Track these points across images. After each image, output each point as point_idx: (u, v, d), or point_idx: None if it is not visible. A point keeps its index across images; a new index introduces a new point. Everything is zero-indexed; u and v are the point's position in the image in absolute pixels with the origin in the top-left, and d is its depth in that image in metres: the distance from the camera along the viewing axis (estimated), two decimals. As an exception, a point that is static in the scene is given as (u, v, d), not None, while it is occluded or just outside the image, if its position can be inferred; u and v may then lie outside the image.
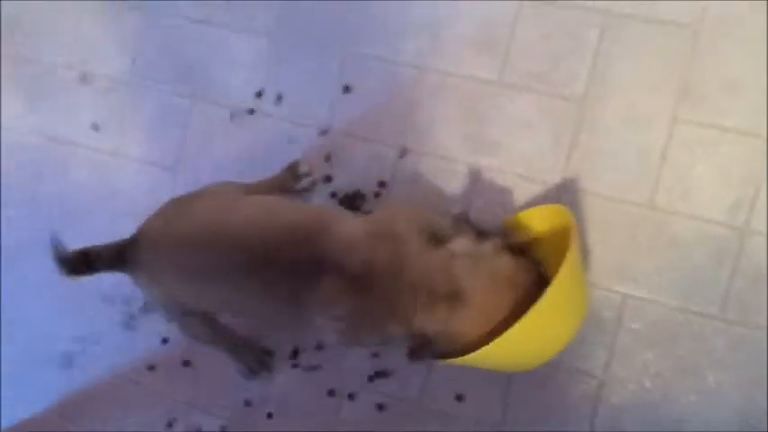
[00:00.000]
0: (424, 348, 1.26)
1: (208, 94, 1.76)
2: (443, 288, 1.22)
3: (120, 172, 1.82)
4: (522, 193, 1.54)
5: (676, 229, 1.46)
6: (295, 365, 1.67)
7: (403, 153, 1.61)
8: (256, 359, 1.63)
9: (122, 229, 1.79)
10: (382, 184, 1.62)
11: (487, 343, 1.18)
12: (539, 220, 1.41)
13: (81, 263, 1.36)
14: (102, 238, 1.81)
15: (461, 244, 1.28)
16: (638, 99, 1.48)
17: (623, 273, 1.48)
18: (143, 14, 1.81)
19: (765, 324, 1.40)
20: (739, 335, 1.42)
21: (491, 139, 1.56)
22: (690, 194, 1.45)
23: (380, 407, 1.62)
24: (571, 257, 1.19)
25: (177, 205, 1.40)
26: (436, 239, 1.29)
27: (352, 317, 1.25)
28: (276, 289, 1.27)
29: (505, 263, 1.25)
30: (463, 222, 1.43)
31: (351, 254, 1.24)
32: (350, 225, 1.29)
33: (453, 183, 1.59)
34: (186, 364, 1.76)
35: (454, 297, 1.22)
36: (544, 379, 1.52)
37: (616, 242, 1.49)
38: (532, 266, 1.29)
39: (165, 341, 1.77)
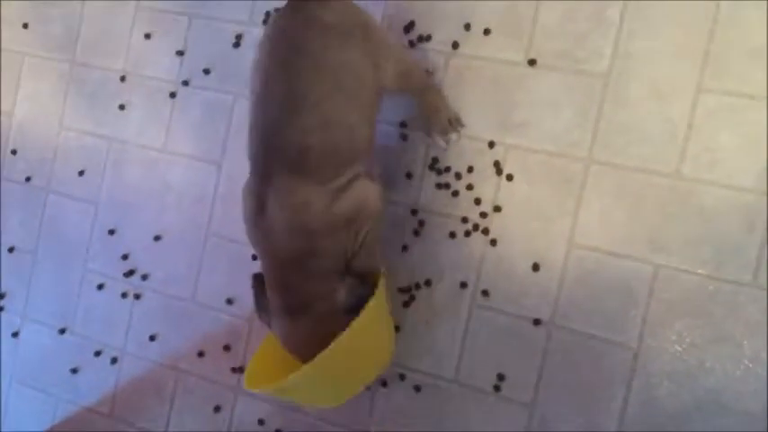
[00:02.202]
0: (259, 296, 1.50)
1: (248, 91, 1.85)
2: (297, 301, 1.40)
3: (170, 168, 1.93)
4: (548, 168, 1.57)
5: (705, 197, 1.46)
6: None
7: (428, 132, 1.67)
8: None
9: (171, 222, 1.91)
10: (409, 175, 1.68)
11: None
12: None
13: None
14: (153, 232, 1.92)
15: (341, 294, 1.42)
16: (661, 71, 1.50)
17: (653, 243, 1.49)
18: (189, 21, 1.93)
19: (801, 290, 1.39)
20: (774, 301, 1.41)
21: (519, 119, 1.61)
22: (717, 163, 1.46)
23: (417, 388, 1.65)
24: (370, 310, 1.37)
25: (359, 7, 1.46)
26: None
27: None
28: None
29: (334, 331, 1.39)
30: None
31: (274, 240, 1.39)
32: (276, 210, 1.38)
33: (481, 163, 1.63)
34: (227, 348, 1.83)
35: (288, 309, 1.42)
36: (578, 353, 1.53)
37: (645, 213, 1.50)
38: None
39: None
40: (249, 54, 1.86)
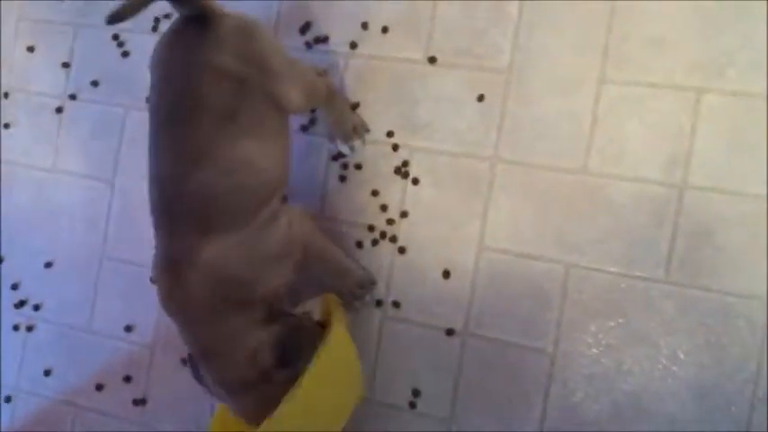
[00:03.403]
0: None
1: (140, 102, 1.74)
2: (229, 375, 1.27)
3: (60, 188, 1.80)
4: (454, 169, 1.50)
5: (613, 192, 1.41)
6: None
7: (332, 139, 1.58)
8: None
9: (63, 247, 1.77)
10: (311, 182, 1.59)
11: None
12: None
13: None
14: (44, 258, 1.78)
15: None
16: (562, 65, 1.45)
17: (564, 242, 1.43)
18: (74, 31, 1.80)
19: (713, 284, 1.34)
20: (688, 297, 1.36)
21: (422, 119, 1.53)
22: (623, 156, 1.41)
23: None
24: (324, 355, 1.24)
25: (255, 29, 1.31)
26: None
27: None
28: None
29: (278, 396, 1.26)
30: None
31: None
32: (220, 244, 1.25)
33: (386, 167, 1.55)
34: (127, 379, 1.70)
35: (224, 386, 1.29)
36: (494, 361, 1.45)
37: (554, 212, 1.44)
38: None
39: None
40: (140, 63, 1.75)
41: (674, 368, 1.36)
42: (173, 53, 1.27)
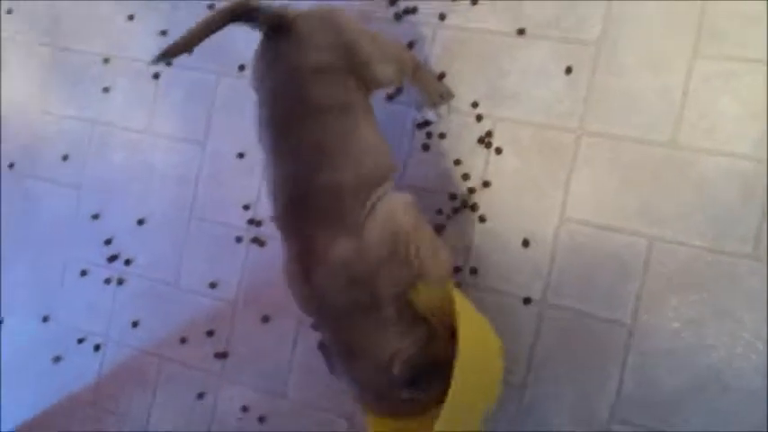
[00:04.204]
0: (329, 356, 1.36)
1: (232, 70, 1.81)
2: (364, 374, 1.28)
3: (154, 149, 1.88)
4: (539, 141, 1.52)
5: (702, 166, 1.40)
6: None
7: (418, 106, 1.61)
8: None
9: (155, 205, 1.86)
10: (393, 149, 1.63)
11: None
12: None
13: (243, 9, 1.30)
14: (137, 216, 1.87)
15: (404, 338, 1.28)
16: (655, 38, 1.45)
17: (649, 215, 1.43)
18: (169, 2, 1.89)
19: (803, 261, 1.32)
20: (775, 274, 1.34)
21: (508, 90, 1.55)
22: (714, 130, 1.39)
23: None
24: (463, 355, 1.17)
25: (334, 18, 1.36)
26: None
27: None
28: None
29: (402, 408, 1.31)
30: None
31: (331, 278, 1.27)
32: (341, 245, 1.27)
33: (470, 137, 1.57)
34: (210, 333, 1.78)
35: (357, 382, 1.30)
36: (571, 331, 1.46)
37: (640, 184, 1.44)
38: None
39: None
40: (232, 32, 1.82)
41: (759, 344, 1.34)
42: (269, 68, 1.33)
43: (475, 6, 1.59)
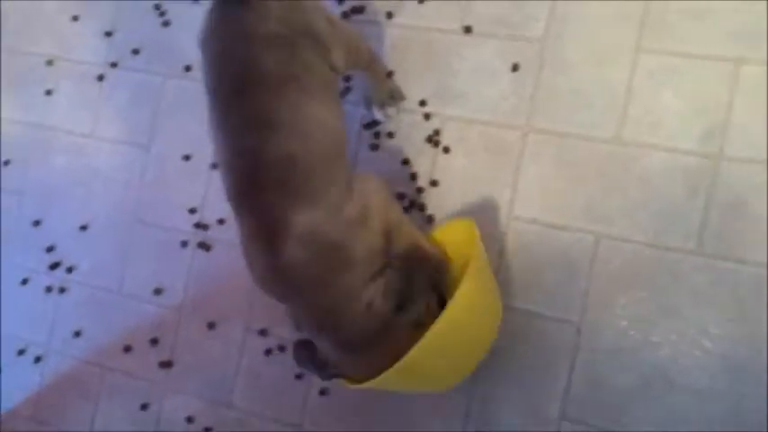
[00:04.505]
0: (311, 363, 1.34)
1: (178, 71, 1.77)
2: (339, 331, 1.25)
3: (97, 153, 1.83)
4: (486, 139, 1.50)
5: (646, 162, 1.39)
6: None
7: (367, 105, 1.59)
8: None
9: (98, 210, 1.81)
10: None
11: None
12: (451, 235, 1.42)
13: None
14: (80, 221, 1.82)
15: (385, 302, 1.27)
16: (600, 34, 1.44)
17: (594, 212, 1.41)
18: (114, 2, 1.85)
19: (746, 256, 1.31)
20: (720, 269, 1.33)
21: (455, 89, 1.53)
22: (658, 126, 1.39)
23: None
24: (469, 283, 1.21)
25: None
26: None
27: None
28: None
29: (404, 340, 1.25)
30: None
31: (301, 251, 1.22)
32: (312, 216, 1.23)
33: (418, 137, 1.55)
34: (154, 342, 1.72)
35: (349, 345, 1.27)
36: (519, 331, 1.44)
37: (585, 182, 1.43)
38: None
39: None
40: (180, 32, 1.78)
41: (705, 342, 1.33)
42: (220, 33, 1.28)
43: (422, 5, 1.57)
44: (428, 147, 1.54)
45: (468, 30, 1.53)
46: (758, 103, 1.33)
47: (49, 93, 1.90)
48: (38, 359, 1.83)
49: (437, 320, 1.17)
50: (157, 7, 1.81)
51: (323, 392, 1.57)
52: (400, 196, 1.55)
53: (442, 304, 1.30)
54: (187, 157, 1.74)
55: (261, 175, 1.22)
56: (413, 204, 1.54)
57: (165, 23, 1.80)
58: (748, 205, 1.32)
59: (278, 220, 1.21)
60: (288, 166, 1.22)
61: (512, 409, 1.43)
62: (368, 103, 1.58)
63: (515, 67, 1.49)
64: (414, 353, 1.16)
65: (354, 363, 1.28)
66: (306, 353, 1.34)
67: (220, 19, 1.28)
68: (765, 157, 1.32)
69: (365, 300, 1.24)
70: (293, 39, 1.26)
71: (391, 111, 1.56)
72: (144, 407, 1.71)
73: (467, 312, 1.22)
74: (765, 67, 1.33)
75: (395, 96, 1.55)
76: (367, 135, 1.60)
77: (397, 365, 1.17)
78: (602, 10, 1.44)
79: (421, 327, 1.25)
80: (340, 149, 1.29)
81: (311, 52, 1.28)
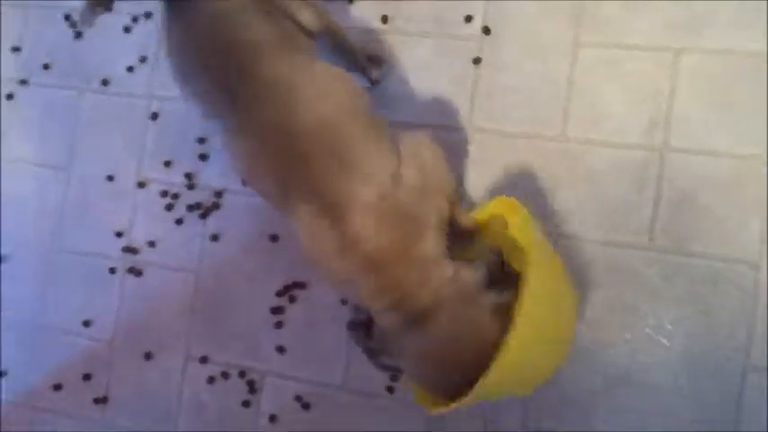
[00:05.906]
0: (362, 336, 1.22)
1: (94, 85, 1.65)
2: (418, 303, 1.11)
3: (10, 178, 1.70)
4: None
5: (592, 158, 1.36)
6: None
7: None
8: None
9: (14, 240, 1.67)
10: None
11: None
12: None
13: None
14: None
15: (455, 271, 1.14)
16: (537, 29, 1.40)
17: (542, 212, 1.37)
18: (24, 13, 1.71)
19: (699, 249, 1.29)
20: (673, 263, 1.31)
21: (394, 90, 1.47)
22: (602, 120, 1.36)
23: (299, 399, 1.47)
24: (535, 274, 1.07)
25: None
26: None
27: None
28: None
29: (483, 322, 1.11)
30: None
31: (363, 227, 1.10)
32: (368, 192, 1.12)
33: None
34: (87, 377, 1.60)
35: (420, 318, 1.11)
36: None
37: (532, 180, 1.38)
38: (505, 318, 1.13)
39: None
40: (93, 43, 1.66)
41: (661, 338, 1.30)
42: (189, 31, 1.19)
43: (351, 5, 1.50)
44: (368, 153, 1.47)
45: (402, 31, 1.47)
46: (700, 92, 1.31)
47: (-47, 115, 1.75)
48: (-42, 405, 1.69)
49: (521, 311, 1.05)
50: (67, 18, 1.68)
51: (272, 419, 1.49)
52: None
53: None
54: (110, 178, 1.62)
55: (301, 151, 1.11)
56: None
57: (78, 35, 1.67)
58: (697, 197, 1.30)
59: (338, 194, 1.10)
60: (324, 133, 1.11)
61: (473, 415, 1.38)
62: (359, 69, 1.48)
63: (454, 68, 1.44)
64: (510, 347, 1.03)
65: (422, 341, 1.12)
66: (361, 332, 1.23)
67: (179, 19, 1.20)
68: (710, 146, 1.30)
69: (450, 270, 1.12)
70: (259, 5, 1.18)
71: (376, 74, 1.47)
72: (80, 448, 1.60)
73: (547, 303, 1.11)
74: (704, 56, 1.31)
75: (374, 60, 1.47)
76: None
77: (496, 364, 1.03)
78: (537, 6, 1.40)
79: (500, 313, 1.11)
80: (366, 102, 1.20)
81: (281, 17, 1.21)
